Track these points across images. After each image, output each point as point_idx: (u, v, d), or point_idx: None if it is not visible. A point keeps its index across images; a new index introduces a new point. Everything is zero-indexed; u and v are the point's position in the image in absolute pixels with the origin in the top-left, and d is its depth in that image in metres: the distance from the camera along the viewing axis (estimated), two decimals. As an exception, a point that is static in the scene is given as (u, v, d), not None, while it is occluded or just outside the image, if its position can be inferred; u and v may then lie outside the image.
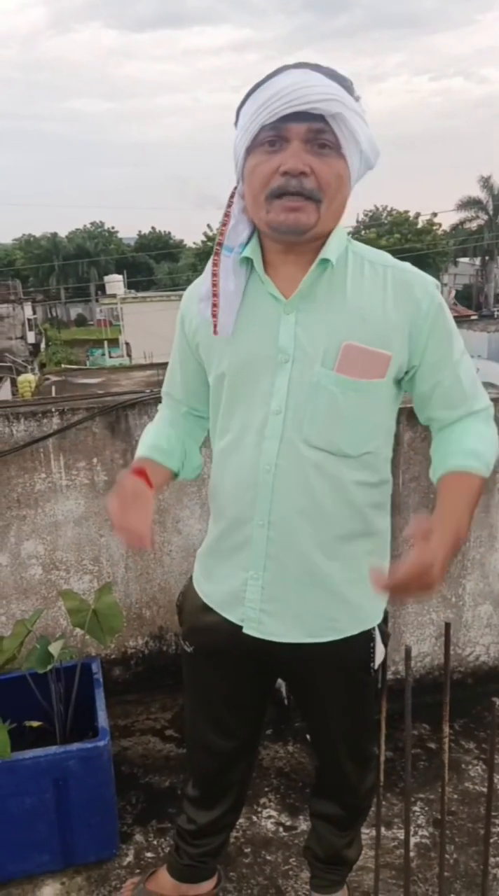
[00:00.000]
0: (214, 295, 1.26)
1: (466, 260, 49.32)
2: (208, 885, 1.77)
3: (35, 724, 1.99)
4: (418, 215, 45.62)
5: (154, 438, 1.48)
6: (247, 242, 1.27)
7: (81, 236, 58.30)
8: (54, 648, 1.94)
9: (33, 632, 2.10)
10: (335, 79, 1.15)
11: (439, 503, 1.29)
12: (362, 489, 1.32)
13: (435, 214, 47.90)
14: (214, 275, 1.26)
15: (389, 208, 49.49)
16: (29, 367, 29.44)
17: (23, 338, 31.76)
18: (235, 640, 1.40)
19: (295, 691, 1.55)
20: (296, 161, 1.13)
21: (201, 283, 1.33)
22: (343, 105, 1.12)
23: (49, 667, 1.93)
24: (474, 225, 45.33)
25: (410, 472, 2.40)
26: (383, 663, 1.47)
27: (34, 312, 37.54)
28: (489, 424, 1.35)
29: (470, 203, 44.46)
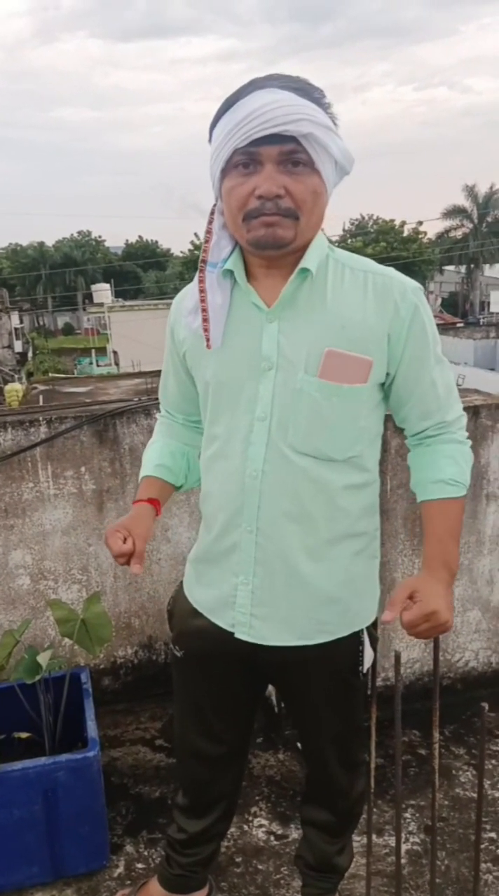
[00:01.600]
0: (204, 310, 1.29)
1: (451, 268, 49.66)
2: (199, 895, 1.76)
3: (24, 735, 1.98)
4: (403, 224, 45.89)
5: (158, 456, 1.53)
6: (229, 256, 1.29)
7: (68, 245, 58.22)
8: (43, 659, 1.92)
9: (21, 642, 2.09)
10: (305, 94, 1.16)
11: (426, 538, 1.39)
12: (349, 492, 1.34)
13: (421, 223, 48.34)
14: (201, 290, 1.29)
15: (374, 217, 49.81)
16: (16, 376, 29.31)
17: (10, 347, 31.66)
18: (225, 645, 1.41)
19: (285, 695, 1.56)
20: (269, 184, 1.16)
21: (188, 297, 1.35)
22: (313, 123, 1.15)
23: (38, 677, 1.92)
24: (459, 233, 45.75)
25: (397, 478, 2.41)
26: (372, 668, 1.48)
27: (21, 321, 37.44)
28: (462, 438, 1.39)
29: (455, 211, 44.88)
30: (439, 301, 48.71)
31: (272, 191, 1.16)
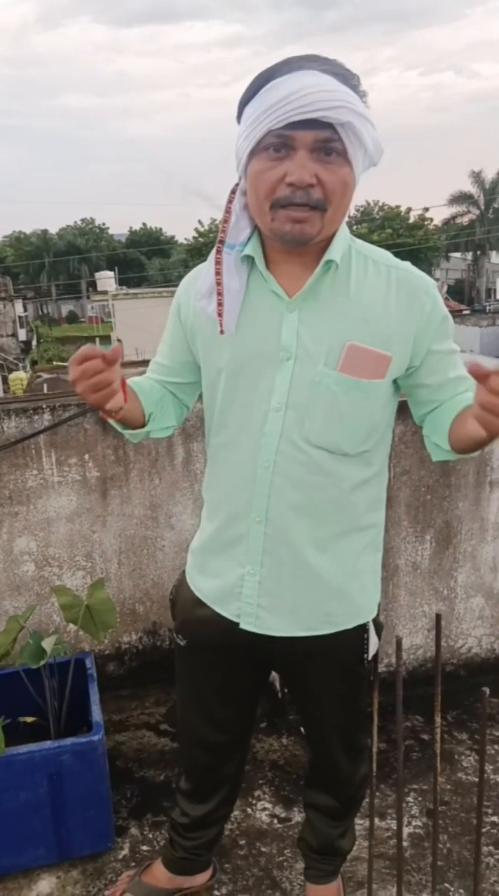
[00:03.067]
0: (219, 294, 1.25)
1: (458, 255, 49.38)
2: (203, 877, 1.79)
3: (29, 719, 2.00)
4: (409, 210, 45.63)
5: (137, 380, 1.45)
6: (248, 240, 1.25)
7: (72, 233, 58.07)
8: (48, 644, 1.94)
9: (26, 628, 2.10)
10: (344, 80, 1.12)
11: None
12: (359, 486, 1.33)
13: (427, 209, 47.94)
14: (218, 273, 1.24)
15: (380, 203, 49.49)
16: (20, 364, 29.33)
17: (14, 335, 31.63)
18: (230, 635, 1.41)
19: (289, 684, 1.57)
20: (302, 172, 1.11)
21: (201, 279, 1.30)
22: (352, 112, 1.10)
23: (42, 662, 1.94)
24: (465, 220, 45.40)
25: (400, 465, 2.41)
26: (375, 655, 1.48)
27: (25, 310, 37.41)
28: None
29: (462, 198, 44.52)
30: (446, 288, 48.45)
31: (305, 179, 1.11)
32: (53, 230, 58.85)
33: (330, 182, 1.14)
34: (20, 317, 33.32)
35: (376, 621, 1.46)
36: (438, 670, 1.46)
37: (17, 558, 2.44)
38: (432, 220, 47.40)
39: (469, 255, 47.54)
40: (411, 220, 45.76)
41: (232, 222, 1.24)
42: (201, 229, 45.50)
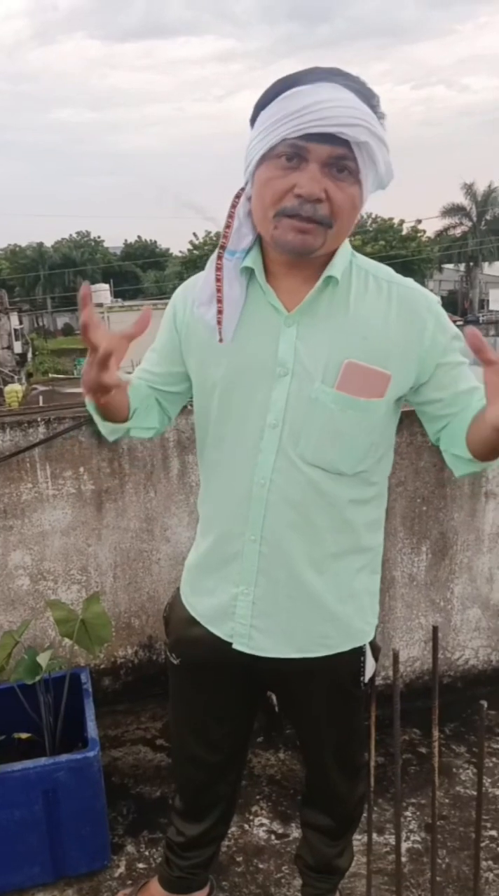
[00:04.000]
0: (219, 301, 1.23)
1: (450, 266, 49.65)
2: (200, 895, 1.76)
3: (24, 735, 1.98)
4: (402, 222, 45.86)
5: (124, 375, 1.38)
6: (250, 248, 1.23)
7: (67, 246, 58.23)
8: (42, 659, 1.92)
9: (21, 643, 2.09)
10: (365, 98, 1.10)
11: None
12: (357, 507, 1.31)
13: (419, 221, 48.19)
14: (218, 280, 1.23)
15: (373, 215, 49.76)
16: (16, 377, 29.31)
17: (9, 348, 31.63)
18: (223, 654, 1.38)
19: (284, 704, 1.54)
20: (313, 186, 1.10)
21: (200, 286, 1.28)
22: (370, 133, 1.09)
23: (37, 678, 1.92)
24: (458, 231, 45.77)
25: (396, 476, 2.41)
26: (372, 677, 1.47)
27: (20, 322, 37.39)
28: None
29: (454, 210, 44.90)
30: (439, 300, 48.62)
31: (315, 193, 1.10)
32: (49, 243, 59.04)
33: (339, 199, 1.12)
34: (16, 329, 33.30)
35: (373, 644, 1.43)
36: (435, 683, 1.45)
37: (11, 572, 2.42)
38: (424, 231, 47.63)
39: (462, 267, 47.82)
40: (404, 231, 45.99)
41: (235, 228, 1.22)
42: (196, 242, 45.68)
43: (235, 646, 1.36)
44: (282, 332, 1.23)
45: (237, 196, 1.22)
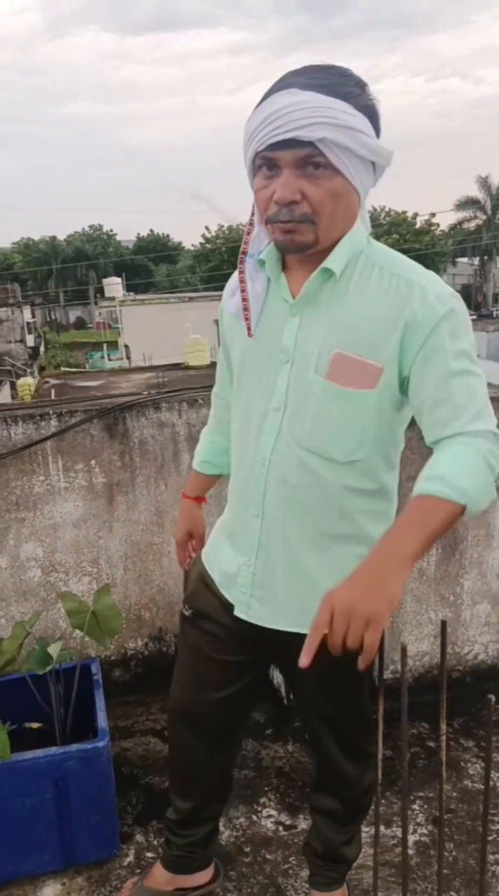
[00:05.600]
0: (244, 299, 1.32)
1: (464, 260, 49.34)
2: (203, 876, 1.79)
3: (35, 725, 2.00)
4: (416, 215, 45.62)
5: (205, 452, 1.70)
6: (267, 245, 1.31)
7: (80, 239, 58.35)
8: (54, 650, 1.94)
9: (32, 634, 2.11)
10: (331, 90, 1.11)
11: None
12: (353, 495, 1.33)
13: (433, 215, 47.98)
14: (242, 281, 1.32)
15: (387, 209, 49.50)
16: (28, 370, 29.40)
17: (22, 341, 31.72)
18: (229, 617, 1.47)
19: (286, 675, 1.61)
20: (284, 191, 1.15)
21: (233, 284, 1.37)
22: (330, 126, 1.10)
23: (48, 668, 1.94)
24: (472, 225, 45.40)
25: (406, 471, 2.39)
26: (380, 660, 1.48)
27: (33, 316, 37.56)
28: (484, 444, 1.17)
29: (468, 203, 44.54)
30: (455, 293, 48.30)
31: (286, 197, 1.15)
32: (61, 236, 59.17)
33: (316, 196, 1.16)
34: (28, 323, 33.41)
35: None
36: (443, 677, 1.45)
37: (23, 564, 2.44)
38: (438, 225, 47.38)
39: (476, 261, 47.49)
40: (418, 225, 45.73)
41: (254, 233, 1.31)
42: (208, 235, 45.59)
43: (235, 612, 1.45)
44: (287, 320, 1.30)
45: (254, 204, 1.30)
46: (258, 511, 1.37)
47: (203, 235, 46.26)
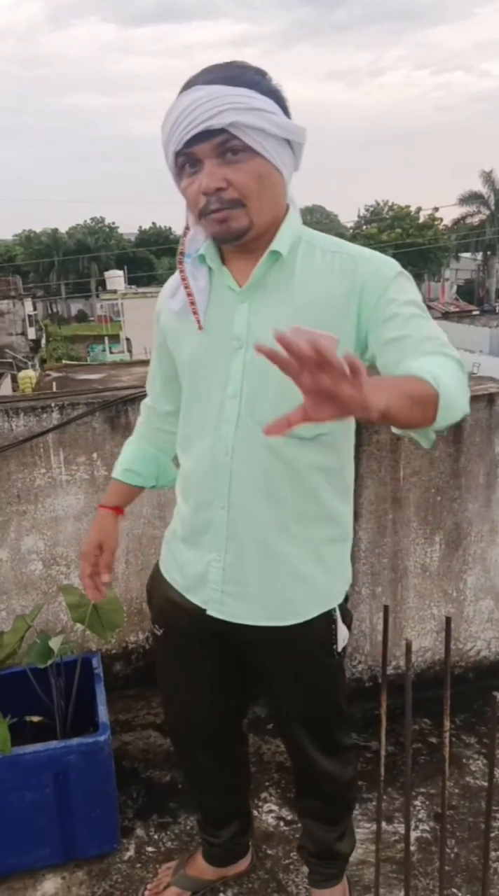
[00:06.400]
0: (189, 295, 1.33)
1: (467, 255, 49.19)
2: (245, 861, 1.85)
3: (36, 719, 1.99)
4: (419, 210, 45.50)
5: (130, 460, 1.63)
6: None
7: (82, 232, 58.20)
8: (55, 643, 1.94)
9: (34, 627, 2.10)
10: (233, 81, 1.16)
11: None
12: (319, 473, 1.35)
13: (437, 209, 47.87)
14: (184, 279, 1.33)
15: (390, 203, 49.39)
16: (30, 363, 29.39)
17: (23, 334, 31.70)
18: (200, 623, 1.45)
19: (259, 677, 1.56)
20: (208, 181, 1.18)
21: (171, 284, 1.40)
22: (237, 110, 1.15)
23: (49, 662, 1.93)
24: (475, 220, 45.22)
25: (410, 466, 2.39)
26: (383, 656, 1.47)
27: (35, 308, 37.49)
28: (454, 364, 1.14)
29: (472, 197, 44.34)
30: (455, 288, 48.32)
31: (211, 186, 1.18)
32: (63, 229, 59.01)
33: (240, 180, 1.19)
34: (30, 315, 33.37)
35: (343, 609, 1.46)
36: (447, 674, 1.44)
37: (24, 557, 2.43)
38: (441, 220, 47.28)
39: (479, 256, 47.37)
40: (421, 219, 45.61)
41: (190, 235, 1.33)
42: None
43: (208, 611, 1.42)
44: (236, 308, 1.31)
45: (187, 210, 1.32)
46: (224, 503, 1.36)
47: (205, 229, 46.09)
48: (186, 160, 1.21)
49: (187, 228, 1.33)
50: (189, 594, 1.46)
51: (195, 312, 1.33)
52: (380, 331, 1.23)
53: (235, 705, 1.63)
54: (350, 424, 1.39)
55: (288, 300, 1.27)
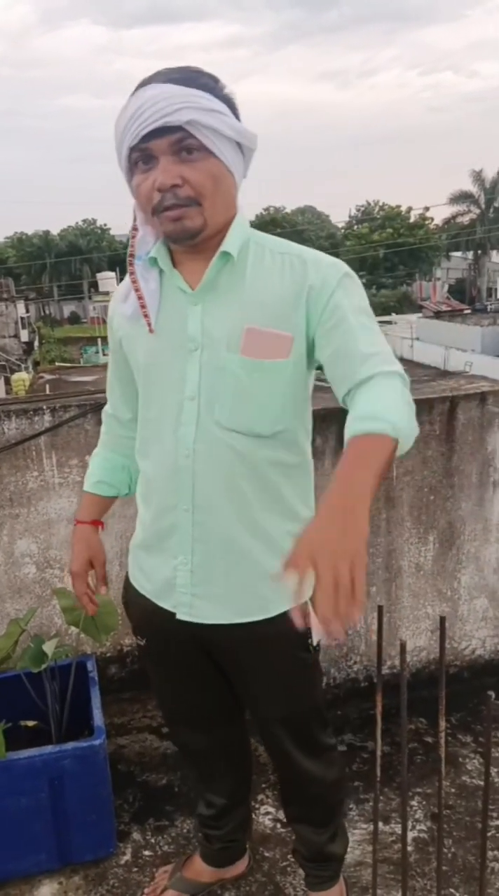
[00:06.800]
0: (140, 298, 1.33)
1: (458, 254, 49.33)
2: (242, 863, 1.84)
3: (30, 723, 1.98)
4: (409, 209, 45.61)
5: (99, 472, 1.62)
6: (153, 247, 1.33)
7: (74, 233, 58.15)
8: (49, 647, 1.93)
9: (27, 631, 2.09)
10: (188, 82, 1.18)
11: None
12: (279, 469, 1.36)
13: (427, 209, 47.98)
14: (134, 282, 1.33)
15: (381, 203, 49.45)
16: (22, 365, 29.34)
17: (16, 336, 31.65)
18: (174, 628, 1.44)
19: (236, 677, 1.54)
20: (164, 176, 1.19)
21: (122, 288, 1.40)
22: (195, 109, 1.16)
23: (44, 666, 1.92)
24: (466, 219, 45.38)
25: (403, 466, 2.39)
26: (378, 655, 1.47)
27: (27, 311, 37.38)
28: (398, 383, 1.18)
29: (462, 197, 44.49)
30: (446, 288, 48.42)
31: (167, 182, 1.18)
32: (55, 231, 58.96)
33: (195, 178, 1.20)
34: (22, 318, 33.31)
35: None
36: (442, 673, 1.44)
37: (17, 560, 2.42)
38: (432, 219, 47.41)
39: (470, 255, 47.51)
40: (412, 219, 45.71)
41: (139, 236, 1.33)
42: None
43: (178, 615, 1.42)
44: (189, 310, 1.31)
45: (135, 209, 1.33)
46: (188, 505, 1.36)
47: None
48: (139, 156, 1.21)
49: (136, 229, 1.33)
50: (159, 600, 1.46)
51: (146, 315, 1.33)
52: (327, 337, 1.27)
53: (228, 702, 1.61)
54: (308, 420, 1.41)
55: (240, 301, 1.29)
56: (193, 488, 1.34)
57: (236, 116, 1.23)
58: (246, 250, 1.30)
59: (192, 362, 1.31)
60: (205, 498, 1.35)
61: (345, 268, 1.30)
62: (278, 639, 1.41)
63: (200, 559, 1.39)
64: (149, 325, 1.33)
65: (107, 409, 1.63)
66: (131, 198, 1.29)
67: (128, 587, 1.57)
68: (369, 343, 1.23)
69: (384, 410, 1.11)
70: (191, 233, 1.24)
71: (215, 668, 1.54)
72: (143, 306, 1.33)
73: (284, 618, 1.39)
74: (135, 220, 1.33)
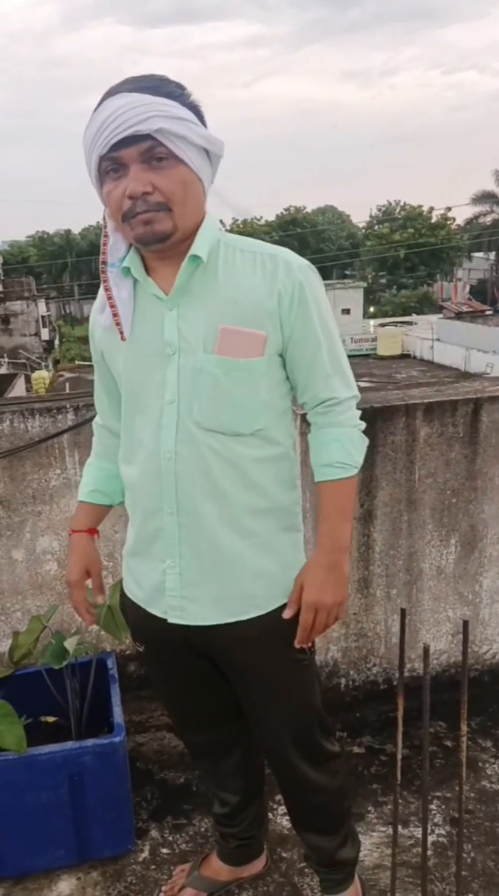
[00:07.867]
0: (112, 306, 1.36)
1: (480, 254, 48.93)
2: (260, 862, 1.84)
3: (51, 719, 2.00)
4: (431, 210, 45.30)
5: (93, 481, 1.65)
6: (126, 254, 1.35)
7: (95, 233, 58.38)
8: (70, 644, 1.94)
9: (49, 627, 2.11)
10: (156, 91, 1.20)
11: (318, 518, 1.44)
12: (261, 465, 1.37)
13: (449, 209, 47.62)
14: (107, 290, 1.36)
15: (402, 203, 49.19)
16: (43, 363, 29.55)
17: (37, 335, 31.86)
18: (167, 633, 1.45)
19: (233, 679, 1.54)
20: (135, 185, 1.21)
21: (101, 300, 1.41)
22: (164, 118, 1.18)
23: (65, 662, 1.94)
24: (488, 219, 44.98)
25: (425, 468, 2.38)
26: (401, 659, 1.46)
27: (48, 309, 37.62)
28: (351, 422, 1.40)
29: (485, 197, 44.09)
30: (468, 288, 48.06)
31: (138, 190, 1.21)
32: (76, 230, 59.35)
33: (165, 185, 1.22)
34: (43, 316, 33.52)
35: None
36: (464, 677, 1.44)
37: (39, 557, 2.44)
38: (454, 219, 47.06)
39: (492, 255, 47.11)
40: (434, 219, 45.42)
41: (110, 243, 1.35)
42: (223, 229, 45.52)
43: (169, 619, 1.43)
44: (165, 315, 1.33)
45: (105, 216, 1.34)
46: (173, 508, 1.37)
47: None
48: (110, 165, 1.22)
49: (106, 236, 1.35)
50: (149, 607, 1.47)
51: (118, 324, 1.35)
52: (295, 347, 1.34)
53: (229, 702, 1.59)
54: (288, 417, 1.42)
55: (214, 302, 1.31)
56: (176, 490, 1.36)
57: (203, 123, 1.26)
58: (216, 252, 1.32)
59: (170, 367, 1.33)
60: (188, 500, 1.36)
61: (308, 269, 1.34)
62: (271, 637, 1.42)
63: (187, 562, 1.40)
64: (121, 332, 1.36)
65: (97, 420, 1.65)
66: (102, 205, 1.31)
67: (123, 594, 1.58)
68: (332, 362, 1.37)
69: (349, 454, 1.37)
70: (160, 236, 1.25)
71: (215, 669, 1.54)
72: (115, 314, 1.35)
73: (275, 614, 1.41)
74: (105, 226, 1.35)
